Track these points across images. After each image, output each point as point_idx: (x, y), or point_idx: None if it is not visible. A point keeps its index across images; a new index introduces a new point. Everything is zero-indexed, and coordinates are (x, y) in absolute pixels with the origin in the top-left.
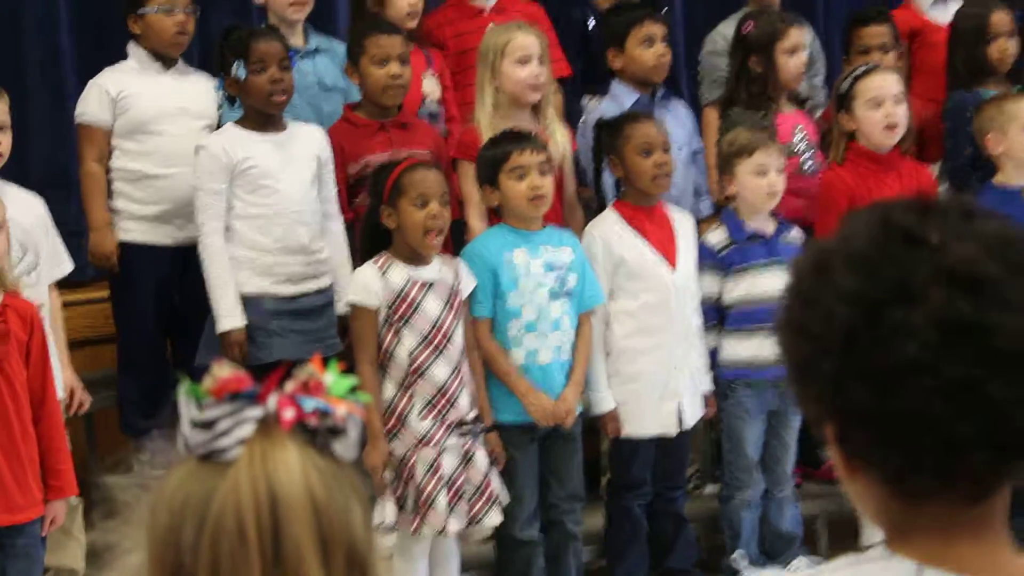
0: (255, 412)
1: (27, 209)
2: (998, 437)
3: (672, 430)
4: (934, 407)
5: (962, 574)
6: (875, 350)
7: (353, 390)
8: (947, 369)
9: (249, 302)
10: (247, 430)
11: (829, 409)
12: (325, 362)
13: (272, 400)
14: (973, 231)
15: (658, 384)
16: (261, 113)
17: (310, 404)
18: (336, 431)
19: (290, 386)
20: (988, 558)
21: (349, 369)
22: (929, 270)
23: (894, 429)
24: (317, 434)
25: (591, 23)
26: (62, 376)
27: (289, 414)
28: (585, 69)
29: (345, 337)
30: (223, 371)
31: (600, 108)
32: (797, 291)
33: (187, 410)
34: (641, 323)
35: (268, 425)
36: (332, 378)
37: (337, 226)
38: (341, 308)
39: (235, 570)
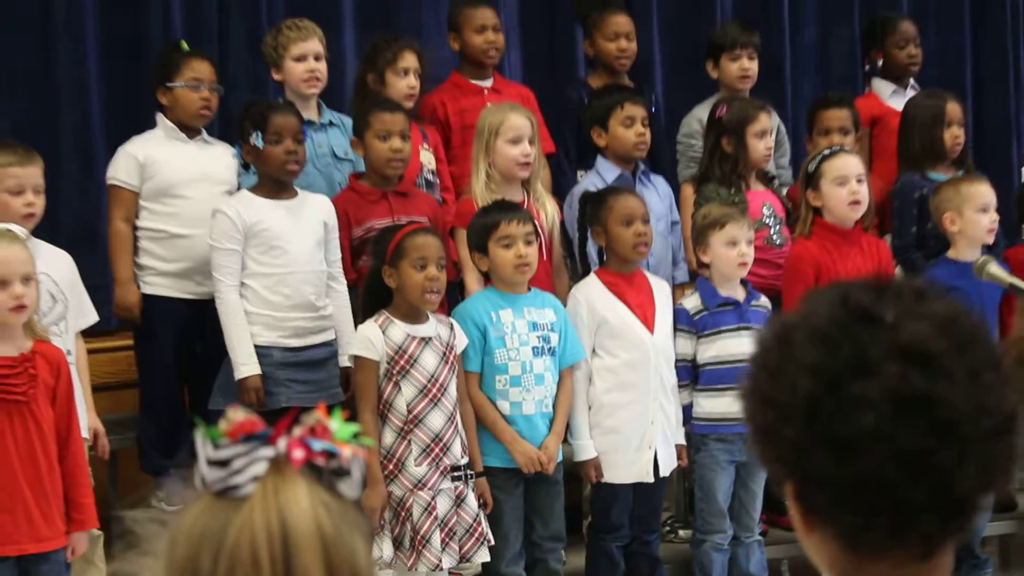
0: (267, 452)
1: (57, 264)
2: (945, 502)
3: (648, 478)
4: (888, 473)
5: None
6: (835, 419)
7: (356, 435)
8: (901, 438)
9: (259, 353)
10: (260, 468)
11: (790, 470)
12: (330, 410)
13: (283, 441)
14: (924, 310)
15: (635, 435)
16: (274, 180)
17: (319, 445)
18: (341, 471)
19: (299, 430)
20: None
21: (352, 417)
22: (884, 346)
23: (851, 492)
24: (324, 473)
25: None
26: (87, 418)
27: (299, 454)
28: (580, 144)
29: (347, 388)
30: (238, 415)
31: (584, 182)
32: (762, 362)
33: (204, 450)
34: (620, 379)
35: (279, 464)
36: (337, 424)
37: (341, 286)
38: (344, 361)
39: None
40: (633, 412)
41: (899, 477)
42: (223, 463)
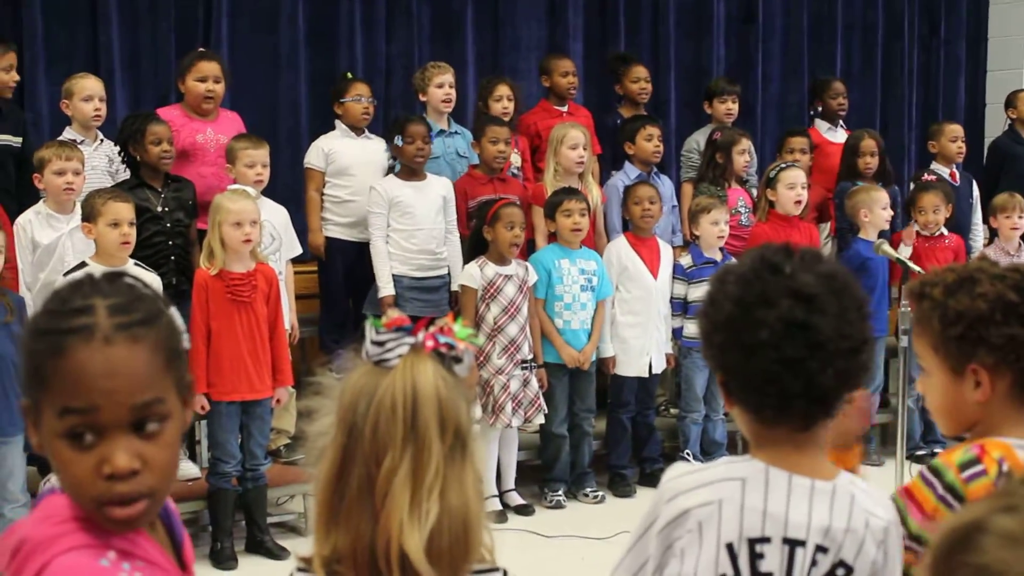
0: (409, 340)
1: (276, 214)
2: (813, 393)
3: (644, 373)
4: (775, 370)
5: (792, 471)
6: (744, 332)
7: (469, 336)
8: (785, 349)
9: (396, 279)
10: (404, 349)
11: (717, 364)
12: (455, 317)
13: (421, 334)
14: (813, 267)
15: (638, 345)
16: (409, 168)
17: (443, 339)
18: (457, 358)
19: (433, 328)
20: (810, 463)
21: None
22: (781, 288)
23: (751, 381)
24: (445, 358)
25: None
26: (290, 316)
27: (430, 343)
28: (615, 152)
29: (453, 306)
30: (394, 313)
31: (616, 178)
32: (708, 293)
33: (369, 333)
34: (631, 307)
35: (416, 348)
36: (458, 327)
37: (455, 237)
38: (454, 287)
39: (387, 431)
40: (636, 331)
41: (782, 373)
42: (380, 344)
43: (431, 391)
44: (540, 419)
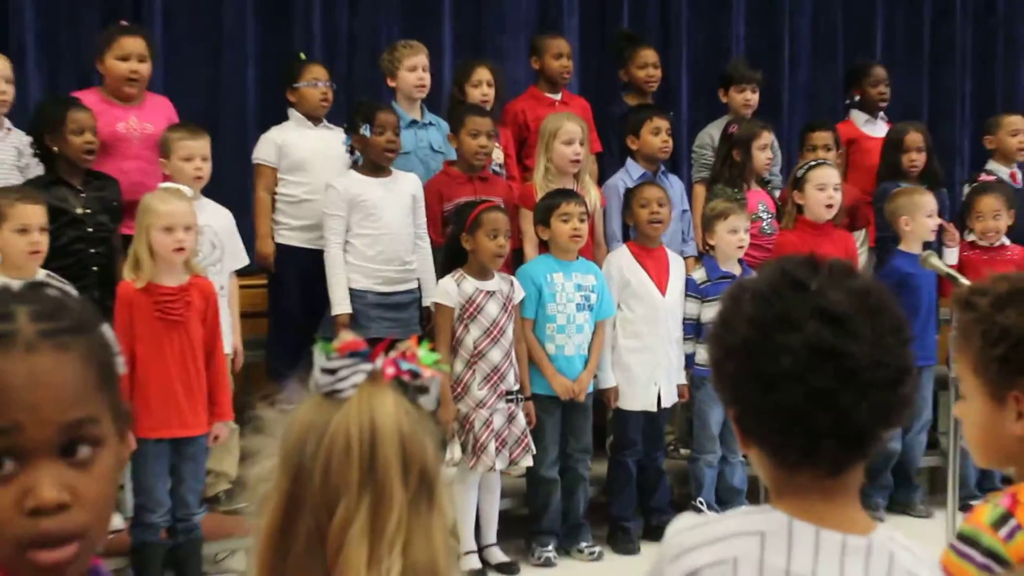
0: (366, 367)
1: (219, 218)
2: (845, 431)
3: (652, 407)
4: (800, 405)
5: (820, 525)
6: (763, 360)
7: (436, 362)
8: (812, 379)
9: (357, 295)
10: (359, 378)
11: (730, 398)
12: (419, 341)
13: (380, 360)
14: (844, 283)
15: (644, 374)
16: (375, 163)
17: (406, 366)
18: (422, 388)
19: (393, 353)
20: (840, 515)
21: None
22: (807, 308)
23: (772, 417)
24: (408, 388)
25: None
26: (233, 338)
27: (390, 370)
28: (620, 147)
29: (425, 326)
30: (348, 335)
31: (616, 178)
32: (720, 313)
33: (319, 360)
34: (635, 329)
35: (374, 377)
36: (423, 352)
37: (424, 244)
38: (426, 303)
39: (340, 474)
40: (643, 357)
41: (808, 409)
42: (331, 372)
43: (392, 427)
44: (528, 461)
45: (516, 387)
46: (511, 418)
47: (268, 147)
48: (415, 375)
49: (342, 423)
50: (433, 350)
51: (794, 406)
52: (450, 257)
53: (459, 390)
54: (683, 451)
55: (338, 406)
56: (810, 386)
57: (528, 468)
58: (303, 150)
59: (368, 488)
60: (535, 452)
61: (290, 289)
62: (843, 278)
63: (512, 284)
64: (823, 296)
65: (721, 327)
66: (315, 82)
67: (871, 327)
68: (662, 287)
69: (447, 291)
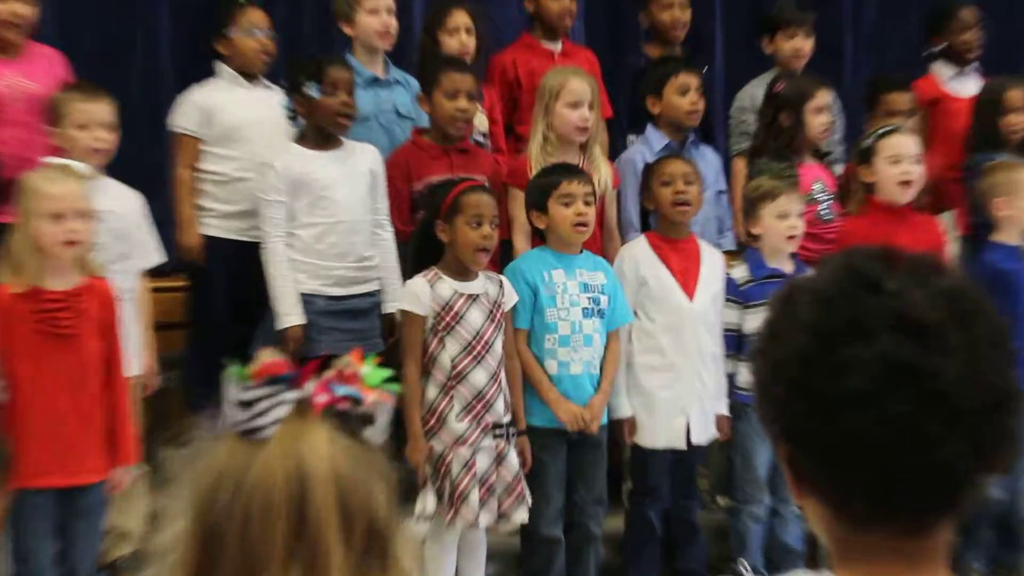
0: (291, 395)
1: (124, 203)
2: (929, 473)
3: (679, 444)
4: (871, 438)
5: None
6: (822, 378)
7: (387, 381)
8: (886, 404)
9: (304, 300)
10: (283, 411)
11: (779, 430)
12: (364, 354)
13: (308, 385)
14: (928, 282)
15: (668, 401)
16: (322, 132)
17: (342, 391)
18: (365, 418)
19: (328, 374)
20: None
21: (391, 365)
22: (881, 313)
23: (833, 453)
24: (348, 419)
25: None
26: (143, 356)
27: (322, 398)
28: (633, 110)
29: (388, 338)
30: (266, 357)
31: (634, 149)
32: (767, 320)
33: (231, 390)
34: (655, 343)
35: (303, 408)
36: (367, 369)
37: (387, 235)
38: (388, 309)
39: (262, 536)
40: (666, 378)
41: (881, 442)
42: (248, 404)
43: (326, 472)
44: (522, 515)
45: (507, 418)
46: (500, 459)
47: (190, 112)
48: (355, 401)
49: (262, 471)
50: (387, 365)
51: (862, 441)
52: (421, 251)
53: (433, 423)
54: (721, 501)
55: (257, 449)
56: (883, 414)
57: (522, 524)
58: (235, 116)
59: (299, 553)
60: (531, 503)
61: (217, 293)
62: (927, 276)
63: (501, 286)
64: (902, 298)
65: (768, 339)
66: (252, 30)
67: (964, 338)
68: (689, 289)
69: (417, 295)
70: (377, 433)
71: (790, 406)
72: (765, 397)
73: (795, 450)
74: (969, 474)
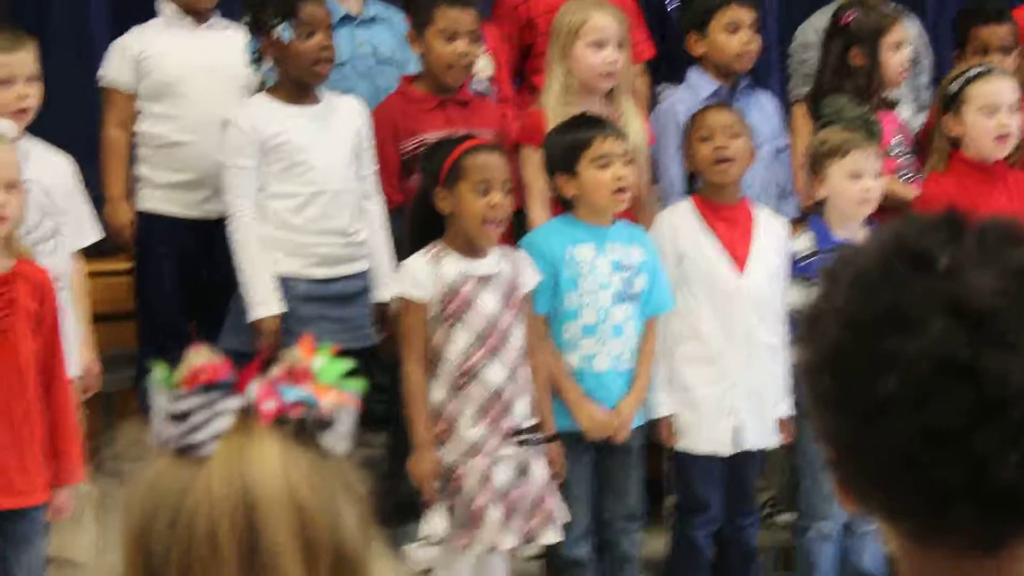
0: (232, 403)
1: (52, 171)
2: (987, 491)
3: (726, 450)
4: (914, 449)
5: None
6: (860, 377)
7: (347, 375)
8: (933, 410)
9: (280, 285)
10: (223, 423)
11: (823, 432)
12: (315, 344)
13: (252, 390)
14: (994, 258)
15: (711, 398)
16: (297, 82)
17: (292, 395)
18: (322, 422)
19: (274, 372)
20: None
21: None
22: (931, 298)
23: (874, 465)
24: (303, 426)
25: (672, 4)
26: (82, 354)
27: (269, 406)
28: (662, 55)
29: (380, 328)
30: (198, 358)
31: (675, 98)
32: (811, 303)
33: (159, 400)
34: (696, 327)
35: (247, 417)
36: (321, 363)
37: (375, 206)
38: (379, 295)
39: (206, 571)
40: (709, 371)
41: (926, 455)
42: (182, 417)
43: (279, 492)
44: (552, 537)
45: (531, 422)
46: (523, 470)
47: (120, 61)
48: (309, 406)
49: (203, 496)
50: (347, 353)
51: (906, 450)
52: (419, 224)
53: (441, 429)
54: (785, 517)
55: (197, 468)
56: (930, 420)
57: (548, 546)
58: (178, 64)
59: None
60: (563, 523)
61: (164, 277)
62: (998, 250)
63: (518, 264)
64: (958, 279)
65: (807, 327)
66: None
67: None
68: (740, 261)
69: (417, 278)
70: (340, 438)
71: (828, 405)
72: (812, 392)
73: (839, 455)
74: None
